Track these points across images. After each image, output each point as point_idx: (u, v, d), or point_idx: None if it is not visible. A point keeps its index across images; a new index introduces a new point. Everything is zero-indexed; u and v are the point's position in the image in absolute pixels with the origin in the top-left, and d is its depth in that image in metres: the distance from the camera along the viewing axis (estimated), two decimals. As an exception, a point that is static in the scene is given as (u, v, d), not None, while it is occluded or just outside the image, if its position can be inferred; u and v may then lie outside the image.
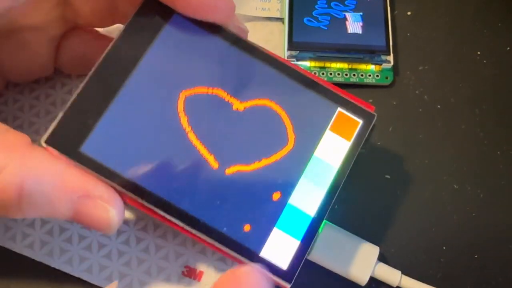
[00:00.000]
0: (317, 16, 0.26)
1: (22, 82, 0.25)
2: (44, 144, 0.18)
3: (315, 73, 0.26)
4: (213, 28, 0.20)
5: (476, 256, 0.23)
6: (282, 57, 0.26)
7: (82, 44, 0.23)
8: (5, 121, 0.24)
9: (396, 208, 0.24)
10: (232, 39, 0.20)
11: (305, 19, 0.26)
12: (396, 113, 0.26)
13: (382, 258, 0.22)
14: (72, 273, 0.22)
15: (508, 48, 0.27)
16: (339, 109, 0.20)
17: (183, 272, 0.22)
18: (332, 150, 0.20)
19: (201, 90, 0.20)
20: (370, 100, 0.26)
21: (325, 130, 0.20)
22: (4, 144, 0.17)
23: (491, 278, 0.23)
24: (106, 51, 0.19)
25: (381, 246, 0.22)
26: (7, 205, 0.17)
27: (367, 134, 0.20)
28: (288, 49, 0.26)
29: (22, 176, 0.17)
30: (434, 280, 0.23)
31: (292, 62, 0.26)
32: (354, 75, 0.26)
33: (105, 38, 0.23)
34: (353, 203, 0.24)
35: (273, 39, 0.27)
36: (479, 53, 0.27)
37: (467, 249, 0.23)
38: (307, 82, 0.20)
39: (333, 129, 0.20)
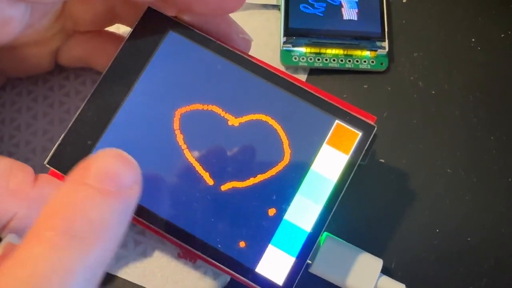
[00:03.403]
0: (313, 3, 0.26)
1: (22, 77, 0.26)
2: (46, 165, 0.19)
3: (310, 59, 0.26)
4: (208, 43, 0.20)
5: (468, 239, 0.24)
6: (279, 43, 0.26)
7: (79, 46, 0.23)
8: (2, 123, 0.24)
9: (389, 193, 0.24)
10: (226, 53, 0.20)
11: (301, 6, 0.26)
12: (390, 99, 0.26)
13: (384, 270, 0.22)
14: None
15: (503, 35, 0.27)
16: (337, 121, 0.20)
17: (178, 254, 0.23)
18: (330, 164, 0.19)
19: (196, 107, 0.20)
20: (365, 86, 0.26)
21: (322, 144, 0.20)
22: (10, 189, 0.18)
23: (483, 260, 0.23)
24: (104, 73, 0.20)
25: (373, 234, 0.22)
26: None
27: (367, 146, 0.20)
28: (284, 36, 0.26)
29: (33, 217, 0.18)
30: (427, 262, 0.23)
31: (286, 49, 0.26)
32: (349, 61, 0.26)
33: (101, 36, 0.24)
34: (347, 193, 0.24)
35: (269, 26, 0.27)
36: (473, 40, 0.27)
37: (460, 232, 0.24)
38: (303, 94, 0.20)
39: (330, 143, 0.20)
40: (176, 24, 0.20)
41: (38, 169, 0.24)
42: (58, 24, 0.22)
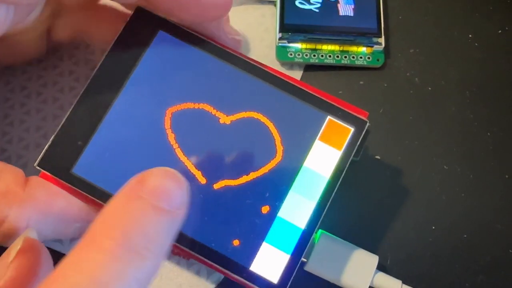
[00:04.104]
0: (309, -2, 0.26)
1: (15, 63, 0.25)
2: (37, 167, 0.19)
3: (306, 55, 0.26)
4: (198, 41, 0.20)
5: (464, 235, 0.23)
6: (274, 39, 0.26)
7: (70, 22, 0.23)
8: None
9: (384, 189, 0.24)
10: (216, 51, 0.20)
11: (297, 2, 0.26)
12: (386, 95, 0.26)
13: (379, 267, 0.22)
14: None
15: (499, 31, 0.27)
16: (329, 117, 0.20)
17: (172, 251, 0.22)
18: (322, 160, 0.19)
19: (187, 106, 0.20)
20: (361, 82, 0.26)
21: (314, 140, 0.20)
22: (0, 192, 0.18)
23: (479, 257, 0.23)
24: (93, 73, 0.20)
25: (368, 231, 0.22)
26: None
27: (359, 141, 0.20)
28: (280, 31, 0.26)
29: (24, 219, 0.18)
30: (423, 259, 0.23)
31: (282, 45, 0.26)
32: (345, 57, 0.26)
33: (92, 10, 0.23)
34: (342, 190, 0.24)
35: (265, 22, 0.27)
36: (470, 36, 0.27)
37: (456, 229, 0.24)
38: (295, 91, 0.20)
39: (322, 139, 0.20)
40: (165, 23, 0.20)
41: (31, 166, 0.24)
42: (45, 11, 0.21)
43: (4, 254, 0.16)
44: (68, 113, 0.20)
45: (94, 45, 0.25)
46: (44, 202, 0.19)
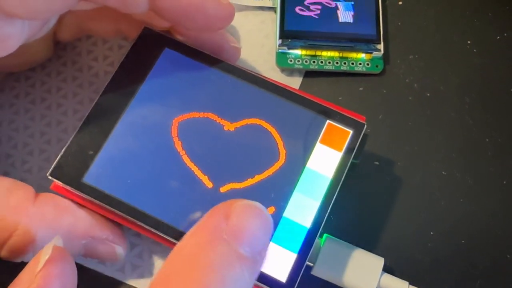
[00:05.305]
0: (309, 5, 0.27)
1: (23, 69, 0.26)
2: (49, 177, 0.20)
3: (306, 61, 0.26)
4: (201, 56, 0.22)
5: (463, 241, 0.24)
6: (274, 45, 0.26)
7: (73, 24, 0.24)
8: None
9: (384, 195, 0.24)
10: (218, 64, 0.22)
11: (296, 8, 0.26)
12: (386, 101, 0.26)
13: (386, 267, 0.22)
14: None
15: (498, 37, 0.27)
16: (328, 121, 0.21)
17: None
18: (324, 162, 0.20)
19: (193, 115, 0.21)
20: (361, 89, 0.26)
21: (315, 143, 0.20)
22: (11, 206, 0.19)
23: (478, 263, 0.23)
24: (104, 86, 0.21)
25: (367, 236, 0.22)
26: (24, 255, 0.19)
27: (358, 143, 0.20)
28: (280, 38, 0.26)
29: (31, 233, 0.19)
30: (421, 264, 0.23)
31: (282, 51, 0.26)
32: (344, 63, 0.26)
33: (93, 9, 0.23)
34: (342, 195, 0.24)
35: (265, 28, 0.27)
36: (469, 42, 0.27)
37: (455, 234, 0.24)
38: (294, 98, 0.21)
39: (323, 141, 0.20)
40: (171, 41, 0.22)
41: (35, 171, 0.24)
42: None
43: (32, 261, 0.16)
44: (80, 125, 0.20)
45: (99, 36, 0.26)
46: (52, 217, 0.19)
